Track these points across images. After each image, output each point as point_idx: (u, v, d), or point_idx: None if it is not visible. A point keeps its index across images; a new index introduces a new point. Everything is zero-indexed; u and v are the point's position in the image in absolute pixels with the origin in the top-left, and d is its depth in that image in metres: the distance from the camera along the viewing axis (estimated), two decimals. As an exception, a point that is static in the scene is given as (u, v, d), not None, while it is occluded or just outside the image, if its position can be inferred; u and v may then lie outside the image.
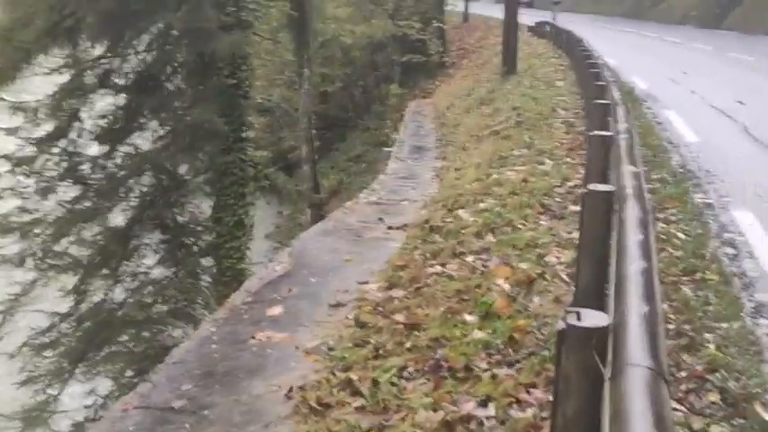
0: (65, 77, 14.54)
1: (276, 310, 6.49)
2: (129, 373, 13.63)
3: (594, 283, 5.48)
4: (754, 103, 15.28)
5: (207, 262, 16.32)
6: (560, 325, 2.44)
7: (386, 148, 20.96)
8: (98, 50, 14.99)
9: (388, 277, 6.71)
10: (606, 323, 2.41)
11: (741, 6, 41.19)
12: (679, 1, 48.33)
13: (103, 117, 15.04)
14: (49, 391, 13.03)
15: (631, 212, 4.70)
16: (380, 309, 6.14)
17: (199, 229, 16.70)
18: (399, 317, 5.82)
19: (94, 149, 15.40)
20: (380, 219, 9.52)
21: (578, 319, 2.35)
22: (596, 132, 7.41)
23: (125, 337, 14.16)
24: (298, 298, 6.81)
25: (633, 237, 4.30)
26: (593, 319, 2.40)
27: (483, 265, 6.73)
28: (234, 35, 14.00)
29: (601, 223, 5.35)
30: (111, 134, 15.15)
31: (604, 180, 7.18)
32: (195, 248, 16.44)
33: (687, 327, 5.21)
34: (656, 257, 3.81)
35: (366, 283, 6.81)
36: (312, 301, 6.73)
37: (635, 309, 2.57)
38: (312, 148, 28.26)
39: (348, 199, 26.57)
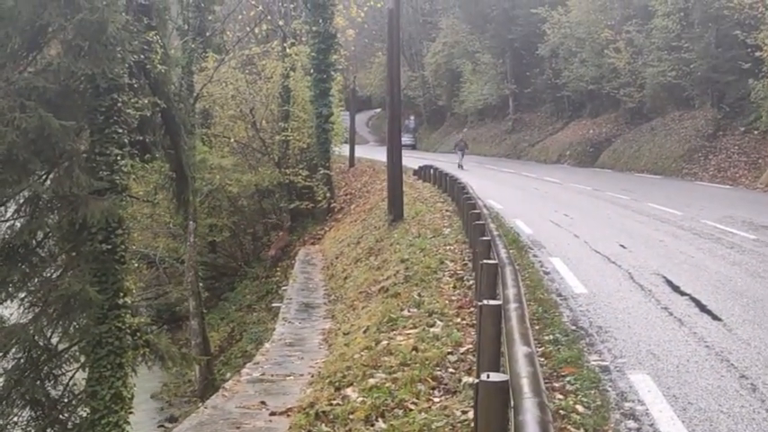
0: None
1: None
2: None
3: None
4: (635, 246, 15.56)
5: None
6: None
7: (275, 303, 20.41)
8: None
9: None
10: None
11: (612, 146, 43.38)
12: (554, 141, 50.64)
13: (-34, 289, 14.02)
14: None
15: (530, 417, 4.29)
16: None
17: (74, 403, 15.54)
18: None
19: (-46, 324, 14.32)
20: (263, 402, 8.84)
21: None
22: (485, 303, 7.10)
23: None
24: None
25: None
26: None
27: (373, 462, 6.15)
28: (107, 200, 13.39)
29: (496, 418, 4.94)
30: (-25, 307, 14.11)
31: (497, 356, 6.84)
32: (69, 425, 15.23)
33: None
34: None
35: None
36: None
37: None
38: (200, 302, 27.37)
39: (236, 356, 25.68)
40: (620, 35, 41.89)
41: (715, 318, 9.96)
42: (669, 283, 12.12)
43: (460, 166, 39.80)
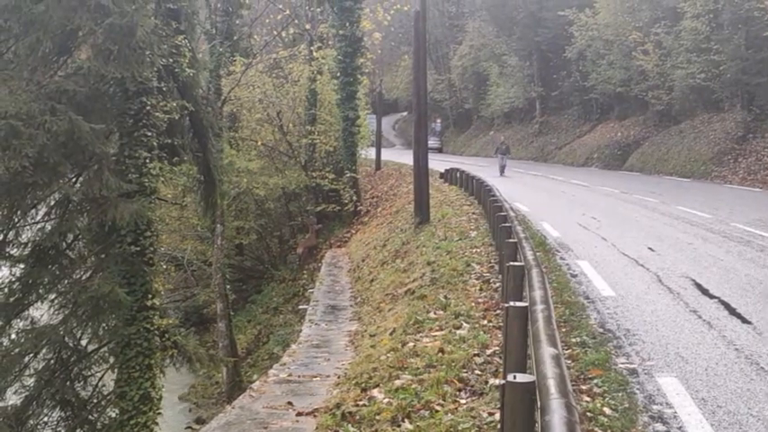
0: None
1: None
2: None
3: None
4: (663, 249, 15.42)
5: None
6: None
7: (302, 306, 20.50)
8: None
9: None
10: None
11: (640, 148, 43.05)
12: (581, 144, 50.35)
13: (-2, 291, 14.18)
14: None
15: (557, 417, 4.28)
16: None
17: (103, 403, 15.69)
18: None
19: (-14, 327, 14.48)
20: (290, 403, 8.89)
21: None
22: (512, 304, 7.08)
23: None
24: None
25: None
26: None
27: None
28: (136, 202, 13.51)
29: (522, 419, 4.93)
30: (6, 308, 14.25)
31: (524, 358, 6.82)
32: (99, 425, 15.37)
33: None
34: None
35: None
36: None
37: None
38: (227, 304, 27.53)
39: (262, 359, 25.80)
40: (649, 37, 41.56)
41: (744, 321, 9.87)
42: (698, 286, 12.02)
43: (502, 173, 38.19)
